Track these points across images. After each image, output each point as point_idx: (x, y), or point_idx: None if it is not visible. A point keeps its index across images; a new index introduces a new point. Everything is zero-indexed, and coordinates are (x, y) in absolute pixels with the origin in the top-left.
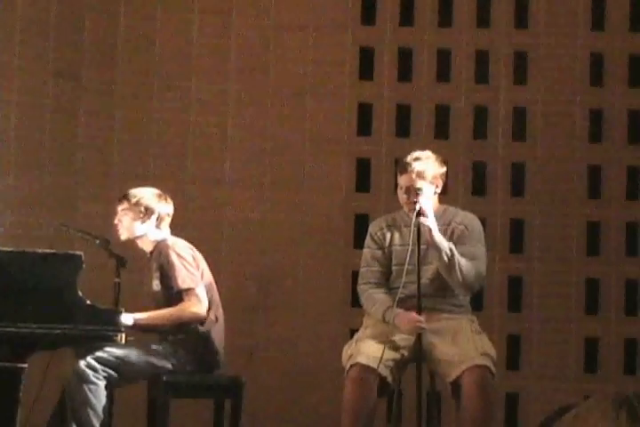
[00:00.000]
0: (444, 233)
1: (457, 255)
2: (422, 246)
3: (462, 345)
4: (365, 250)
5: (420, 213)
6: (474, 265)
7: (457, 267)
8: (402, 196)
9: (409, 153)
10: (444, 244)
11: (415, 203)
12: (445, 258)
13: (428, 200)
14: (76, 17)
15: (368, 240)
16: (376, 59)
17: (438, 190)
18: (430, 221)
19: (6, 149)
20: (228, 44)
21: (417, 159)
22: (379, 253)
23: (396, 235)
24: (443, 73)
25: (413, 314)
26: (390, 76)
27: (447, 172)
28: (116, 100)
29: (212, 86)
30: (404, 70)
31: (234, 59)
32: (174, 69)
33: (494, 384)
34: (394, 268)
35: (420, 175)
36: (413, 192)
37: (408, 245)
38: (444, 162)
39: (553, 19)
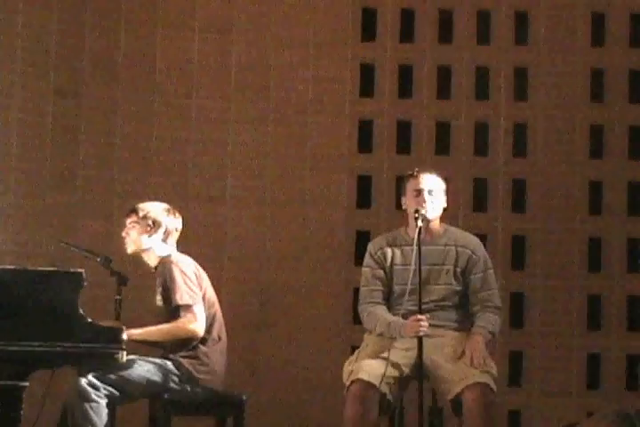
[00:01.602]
0: (446, 254)
1: (493, 329)
2: (424, 267)
3: (462, 362)
4: (365, 269)
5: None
6: (492, 293)
7: (496, 332)
8: (413, 199)
9: (410, 170)
10: (487, 336)
11: (417, 216)
12: (490, 337)
13: (437, 212)
14: (76, 35)
15: (368, 260)
16: (376, 75)
17: (444, 205)
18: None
19: (7, 167)
20: (228, 61)
21: (425, 171)
22: (380, 272)
23: (397, 254)
24: (443, 89)
25: (415, 316)
26: (390, 92)
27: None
28: (117, 117)
29: (213, 104)
30: (405, 87)
31: (234, 76)
32: (175, 87)
33: (495, 401)
34: (396, 287)
35: (433, 180)
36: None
37: (409, 264)
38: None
39: (553, 35)
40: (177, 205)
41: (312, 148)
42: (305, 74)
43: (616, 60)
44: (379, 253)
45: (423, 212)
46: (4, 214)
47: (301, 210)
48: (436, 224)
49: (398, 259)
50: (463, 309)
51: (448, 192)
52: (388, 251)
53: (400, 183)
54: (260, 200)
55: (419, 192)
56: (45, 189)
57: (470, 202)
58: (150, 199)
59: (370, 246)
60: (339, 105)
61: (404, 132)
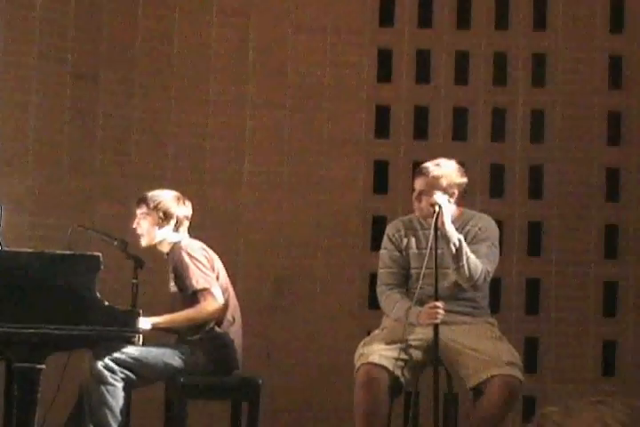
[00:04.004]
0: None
1: (465, 248)
2: (440, 250)
3: (485, 352)
4: (383, 251)
5: (438, 215)
6: (481, 261)
7: (464, 259)
8: (414, 200)
9: (426, 155)
10: (454, 234)
11: (433, 205)
12: (453, 248)
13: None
14: (94, 18)
15: (385, 242)
16: (394, 61)
17: (452, 200)
18: (445, 211)
19: (24, 151)
20: (246, 45)
21: (437, 165)
22: (397, 254)
23: (413, 238)
24: (461, 75)
25: (430, 304)
26: (408, 77)
27: (467, 183)
28: (135, 101)
29: (230, 88)
30: (422, 72)
31: (252, 60)
32: (192, 71)
33: (519, 393)
34: (412, 271)
35: (436, 181)
36: (427, 203)
37: (425, 248)
38: (464, 173)
39: (571, 21)
40: (193, 189)
41: (329, 133)
42: (322, 59)
43: (635, 46)
44: (396, 235)
45: (437, 208)
46: (21, 198)
47: (317, 195)
48: (452, 211)
49: (413, 243)
50: (481, 292)
51: (465, 187)
52: (405, 235)
53: (417, 169)
54: (276, 185)
55: (419, 192)
56: (62, 172)
57: (487, 188)
58: (167, 183)
59: (387, 229)
60: (356, 90)
61: (421, 118)
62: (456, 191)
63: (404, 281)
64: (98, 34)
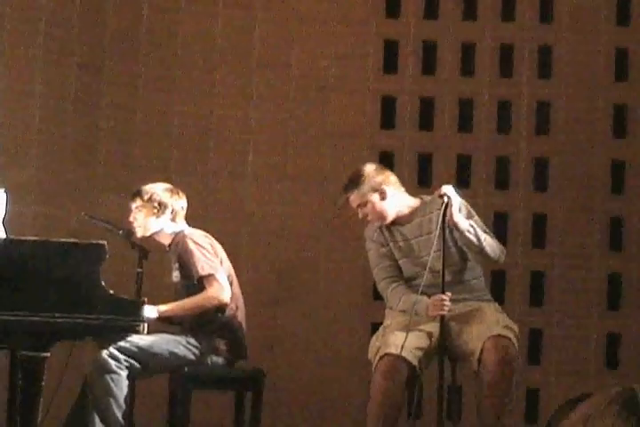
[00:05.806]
0: (429, 221)
1: (478, 229)
2: (413, 241)
3: (485, 321)
4: (369, 252)
5: (447, 206)
6: (490, 235)
7: (482, 241)
8: (363, 218)
9: (431, 147)
10: (465, 222)
11: (442, 196)
12: (470, 235)
13: (387, 206)
14: (99, 9)
15: (368, 243)
16: (400, 52)
17: (387, 195)
18: (454, 202)
19: (29, 141)
20: (251, 37)
21: (346, 191)
22: (384, 249)
23: (396, 233)
24: (466, 67)
25: (437, 296)
26: (414, 69)
27: (386, 176)
28: (139, 92)
29: (235, 79)
30: (428, 64)
31: (257, 52)
32: (197, 63)
33: (516, 356)
34: (400, 262)
35: (359, 203)
36: (371, 213)
37: (408, 240)
38: (378, 170)
39: (577, 13)
40: (197, 180)
41: (334, 124)
42: (328, 50)
43: None
44: (375, 234)
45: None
46: (25, 188)
47: (322, 186)
48: (407, 204)
49: (398, 236)
50: (475, 273)
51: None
52: (381, 232)
53: (422, 160)
54: (280, 177)
55: (364, 217)
56: (66, 162)
57: (492, 180)
58: (171, 174)
59: (365, 232)
60: (361, 82)
61: (426, 109)
62: (382, 189)
63: (400, 272)
64: (103, 25)
